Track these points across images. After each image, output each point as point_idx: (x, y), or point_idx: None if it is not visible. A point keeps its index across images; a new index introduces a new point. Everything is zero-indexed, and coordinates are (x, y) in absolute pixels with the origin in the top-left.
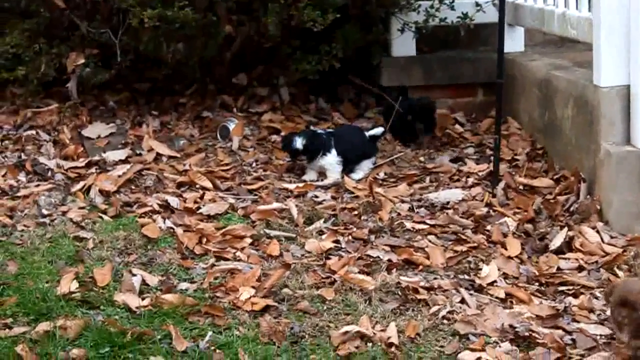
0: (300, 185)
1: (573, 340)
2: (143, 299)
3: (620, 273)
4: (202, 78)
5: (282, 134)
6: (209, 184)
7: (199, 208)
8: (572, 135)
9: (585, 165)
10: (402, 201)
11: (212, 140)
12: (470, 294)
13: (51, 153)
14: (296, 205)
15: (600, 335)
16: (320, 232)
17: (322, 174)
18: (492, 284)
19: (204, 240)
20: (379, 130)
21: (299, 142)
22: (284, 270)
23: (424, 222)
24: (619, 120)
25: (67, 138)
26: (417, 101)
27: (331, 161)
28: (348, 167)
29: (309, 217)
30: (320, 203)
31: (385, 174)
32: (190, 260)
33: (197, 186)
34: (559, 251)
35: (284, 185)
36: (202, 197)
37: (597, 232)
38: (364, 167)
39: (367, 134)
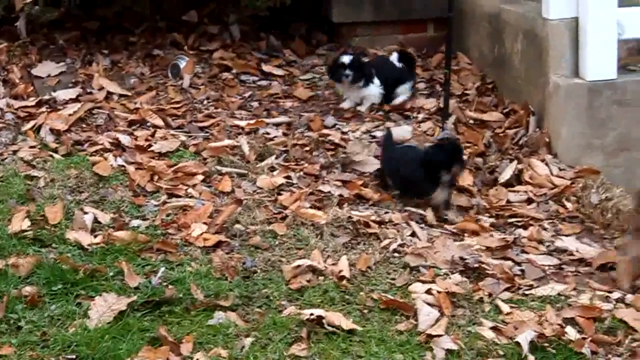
0: (252, 122)
1: (522, 271)
2: (95, 236)
3: (568, 205)
4: (153, 16)
5: (234, 70)
6: (160, 122)
7: (150, 146)
8: (521, 68)
9: (535, 98)
10: (357, 137)
11: (163, 78)
12: (421, 227)
13: (1, 92)
14: (248, 142)
15: (549, 265)
16: (272, 168)
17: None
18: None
19: (156, 177)
20: None
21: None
22: (235, 206)
23: (377, 157)
24: (568, 52)
25: (16, 77)
26: None
27: (375, 92)
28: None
29: (260, 154)
30: (271, 139)
31: (337, 110)
32: (142, 197)
33: (149, 124)
34: (508, 184)
35: (236, 122)
36: (153, 135)
37: (546, 164)
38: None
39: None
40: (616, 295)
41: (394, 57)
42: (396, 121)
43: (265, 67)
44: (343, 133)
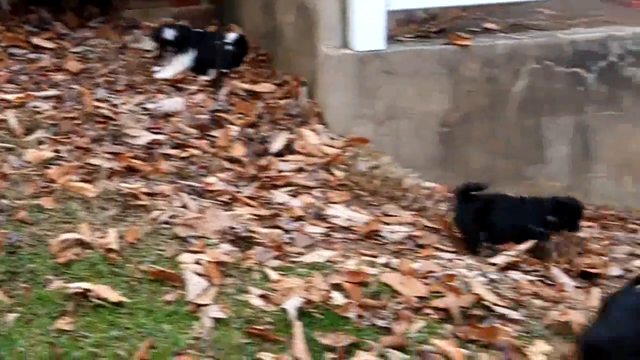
0: (20, 95)
1: (292, 239)
2: None
3: (338, 173)
4: None
5: (3, 44)
6: None
7: None
8: (293, 40)
9: (306, 69)
10: (129, 110)
11: None
12: (193, 199)
13: None
14: (15, 116)
15: (318, 233)
16: (41, 142)
17: None
18: (214, 188)
19: None
20: None
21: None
22: (1, 181)
23: (149, 130)
24: (337, 24)
25: None
26: None
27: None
28: None
29: (28, 128)
30: (40, 113)
31: (109, 82)
32: None
33: None
34: (280, 154)
35: (3, 96)
36: None
37: (317, 134)
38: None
39: None
40: (382, 260)
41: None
42: (168, 93)
43: (35, 40)
44: (114, 106)
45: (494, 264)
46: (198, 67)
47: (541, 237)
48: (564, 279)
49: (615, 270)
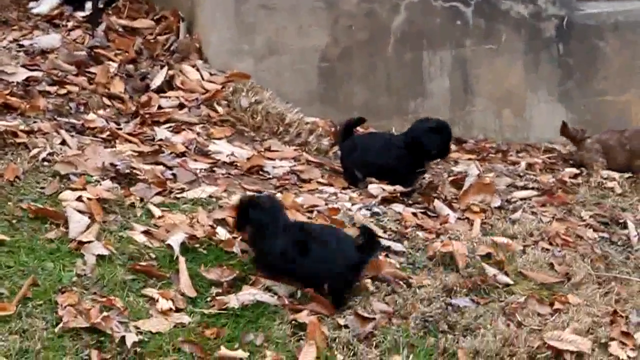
0: None
1: (174, 175)
2: None
3: (219, 109)
4: None
5: None
6: None
7: None
8: None
9: (185, 4)
10: (4, 47)
11: None
12: (72, 136)
13: None
14: None
15: (200, 168)
16: None
17: None
18: (94, 124)
19: None
20: None
21: None
22: None
23: (25, 67)
24: None
25: None
26: None
27: None
28: None
29: None
30: None
31: None
32: None
33: None
34: (160, 90)
35: None
36: None
37: (197, 69)
38: None
39: None
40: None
41: None
42: (45, 30)
43: None
44: None
45: (375, 197)
46: (74, 0)
47: (400, 174)
48: (446, 211)
49: (496, 202)
